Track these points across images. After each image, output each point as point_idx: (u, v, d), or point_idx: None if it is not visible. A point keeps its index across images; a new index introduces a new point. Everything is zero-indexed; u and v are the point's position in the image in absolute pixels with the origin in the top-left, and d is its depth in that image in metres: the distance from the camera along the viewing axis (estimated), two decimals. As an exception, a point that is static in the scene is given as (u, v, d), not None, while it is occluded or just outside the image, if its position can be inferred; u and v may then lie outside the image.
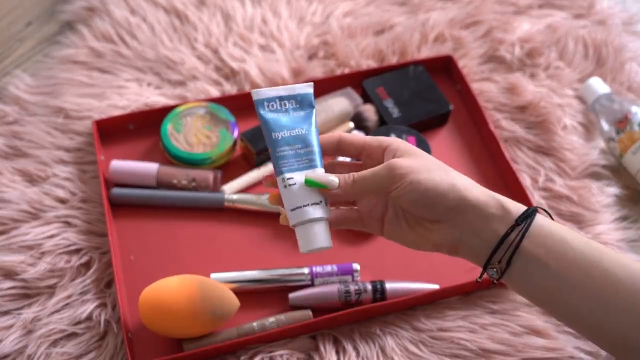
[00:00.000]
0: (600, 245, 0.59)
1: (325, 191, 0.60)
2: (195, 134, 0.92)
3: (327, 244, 0.61)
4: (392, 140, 0.62)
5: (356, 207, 0.65)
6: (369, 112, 0.95)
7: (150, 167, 0.89)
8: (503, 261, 0.59)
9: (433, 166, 0.60)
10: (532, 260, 0.58)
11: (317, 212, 0.60)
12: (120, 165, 0.89)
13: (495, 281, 0.60)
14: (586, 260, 0.57)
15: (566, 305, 0.58)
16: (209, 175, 0.88)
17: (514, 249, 0.58)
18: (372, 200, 0.64)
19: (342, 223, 0.65)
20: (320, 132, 0.64)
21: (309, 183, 0.60)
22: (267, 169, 0.91)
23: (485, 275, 0.61)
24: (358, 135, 0.64)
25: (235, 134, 0.92)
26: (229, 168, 0.92)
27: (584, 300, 0.57)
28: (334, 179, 0.60)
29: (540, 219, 0.59)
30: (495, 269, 0.59)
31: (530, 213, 0.59)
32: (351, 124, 0.95)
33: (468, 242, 0.60)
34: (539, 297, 0.60)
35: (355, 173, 0.61)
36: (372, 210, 0.64)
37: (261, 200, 0.87)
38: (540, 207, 0.60)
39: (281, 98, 0.63)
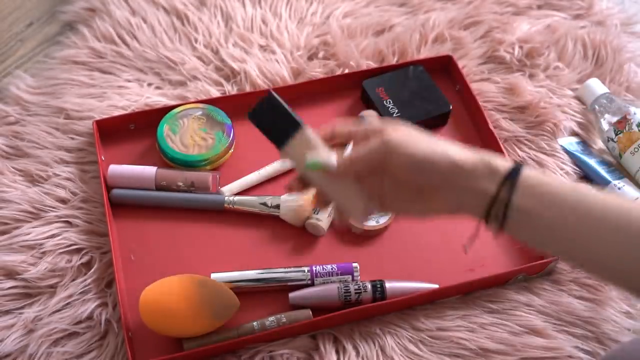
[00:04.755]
0: (584, 186, 0.61)
1: (328, 174, 0.65)
2: (191, 136, 0.92)
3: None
4: (382, 124, 0.66)
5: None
6: (371, 117, 0.95)
7: (149, 171, 0.89)
8: (499, 216, 0.61)
9: (423, 137, 0.64)
10: (524, 212, 0.60)
11: None
12: (119, 169, 0.89)
13: (495, 232, 0.63)
14: (572, 201, 0.60)
15: (563, 244, 0.61)
16: (207, 178, 0.89)
17: (505, 205, 0.60)
18: (375, 178, 0.67)
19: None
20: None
21: (310, 166, 0.65)
22: (266, 171, 0.91)
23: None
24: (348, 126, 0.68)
25: (231, 136, 0.92)
26: (226, 169, 0.92)
27: (577, 236, 0.59)
28: (332, 160, 0.65)
29: (527, 172, 0.61)
30: (493, 223, 0.62)
31: (516, 168, 0.61)
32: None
33: (465, 205, 0.63)
34: (537, 241, 0.63)
35: (351, 153, 0.65)
36: (375, 188, 0.67)
37: (261, 202, 0.87)
38: (525, 163, 0.62)
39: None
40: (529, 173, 0.61)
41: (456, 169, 0.62)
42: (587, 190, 0.60)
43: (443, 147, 0.63)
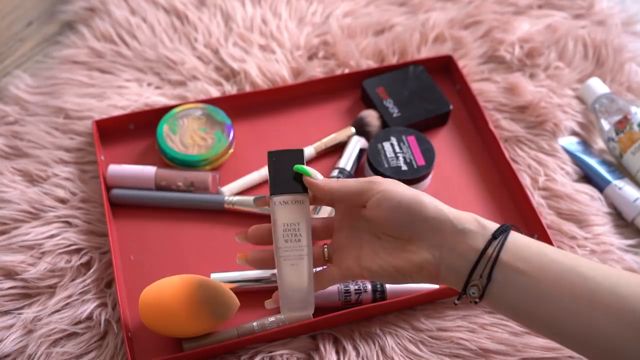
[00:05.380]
0: (575, 255, 0.60)
1: (309, 181, 0.66)
2: (191, 136, 0.92)
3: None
4: None
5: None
6: (371, 117, 0.95)
7: (148, 171, 0.89)
8: (483, 276, 0.59)
9: (408, 187, 0.64)
10: (511, 273, 0.59)
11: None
12: (118, 169, 0.89)
13: (476, 301, 0.61)
14: (564, 268, 0.58)
15: (549, 315, 0.58)
16: (207, 178, 0.88)
17: (493, 262, 0.59)
18: (349, 234, 0.67)
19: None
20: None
21: (298, 169, 0.66)
22: (266, 171, 0.91)
23: (465, 300, 0.62)
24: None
25: (231, 136, 0.92)
26: (225, 169, 0.92)
27: (566, 308, 0.57)
28: (318, 175, 0.67)
29: (515, 234, 0.61)
30: (476, 286, 0.60)
31: (505, 228, 0.60)
32: (352, 129, 0.94)
33: (448, 261, 0.61)
34: (522, 311, 0.60)
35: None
36: (348, 244, 0.67)
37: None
38: (513, 225, 0.62)
39: None
40: (518, 235, 0.61)
41: (443, 217, 0.61)
42: (577, 257, 0.59)
43: (432, 197, 0.63)
